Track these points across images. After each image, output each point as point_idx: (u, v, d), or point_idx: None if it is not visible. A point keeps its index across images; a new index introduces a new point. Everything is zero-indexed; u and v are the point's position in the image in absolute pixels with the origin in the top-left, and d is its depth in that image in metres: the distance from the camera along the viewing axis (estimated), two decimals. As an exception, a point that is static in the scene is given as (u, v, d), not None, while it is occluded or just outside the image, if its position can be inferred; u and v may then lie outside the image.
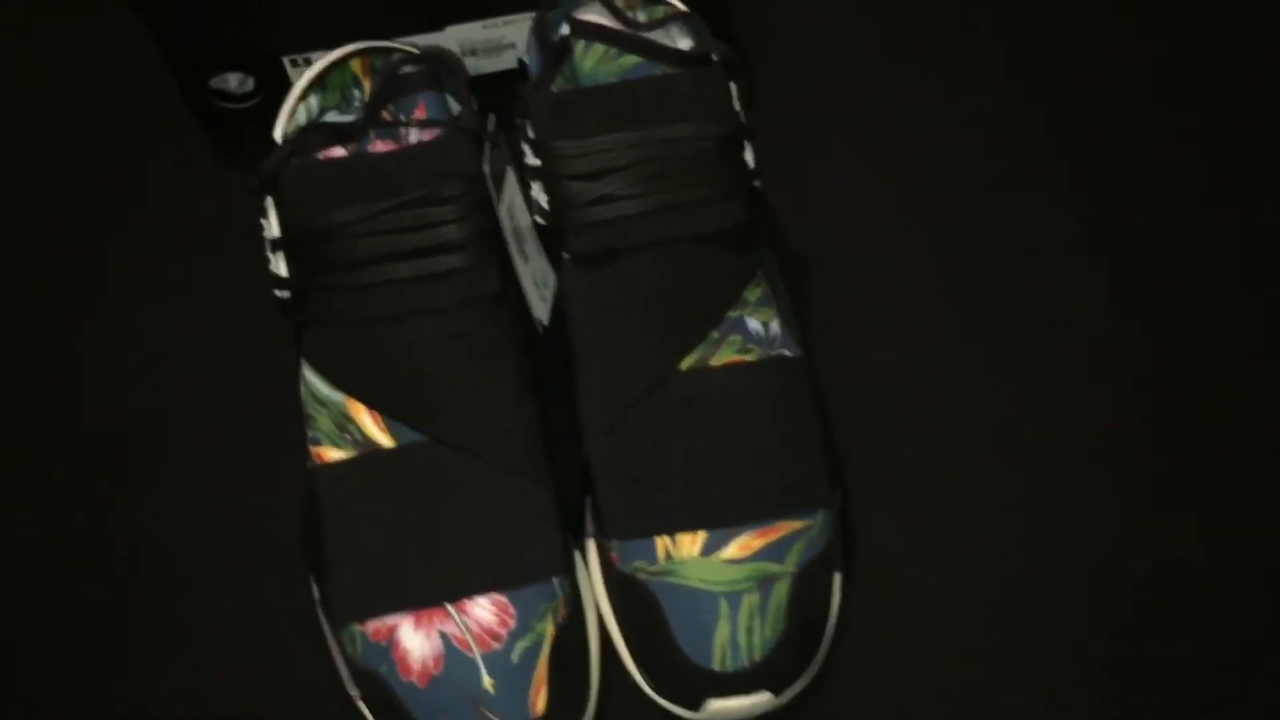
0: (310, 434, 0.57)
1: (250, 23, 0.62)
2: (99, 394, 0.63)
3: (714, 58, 0.58)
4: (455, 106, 0.59)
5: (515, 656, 0.54)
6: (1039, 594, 0.59)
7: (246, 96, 0.66)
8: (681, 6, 0.60)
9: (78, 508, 0.61)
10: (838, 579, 0.58)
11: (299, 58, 0.64)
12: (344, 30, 0.62)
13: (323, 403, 0.57)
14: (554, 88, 0.59)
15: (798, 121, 0.69)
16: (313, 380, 0.57)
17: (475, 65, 0.66)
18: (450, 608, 0.54)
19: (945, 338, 0.64)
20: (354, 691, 0.56)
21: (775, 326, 0.59)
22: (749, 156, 0.59)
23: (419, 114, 0.58)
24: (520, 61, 0.65)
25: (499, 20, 0.65)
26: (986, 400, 0.63)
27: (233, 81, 0.65)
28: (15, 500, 0.61)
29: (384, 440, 0.56)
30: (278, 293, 0.57)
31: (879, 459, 0.62)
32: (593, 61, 0.59)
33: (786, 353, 0.59)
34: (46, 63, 0.70)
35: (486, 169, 0.55)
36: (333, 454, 0.56)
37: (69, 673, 0.58)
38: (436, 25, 0.64)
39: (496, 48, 0.66)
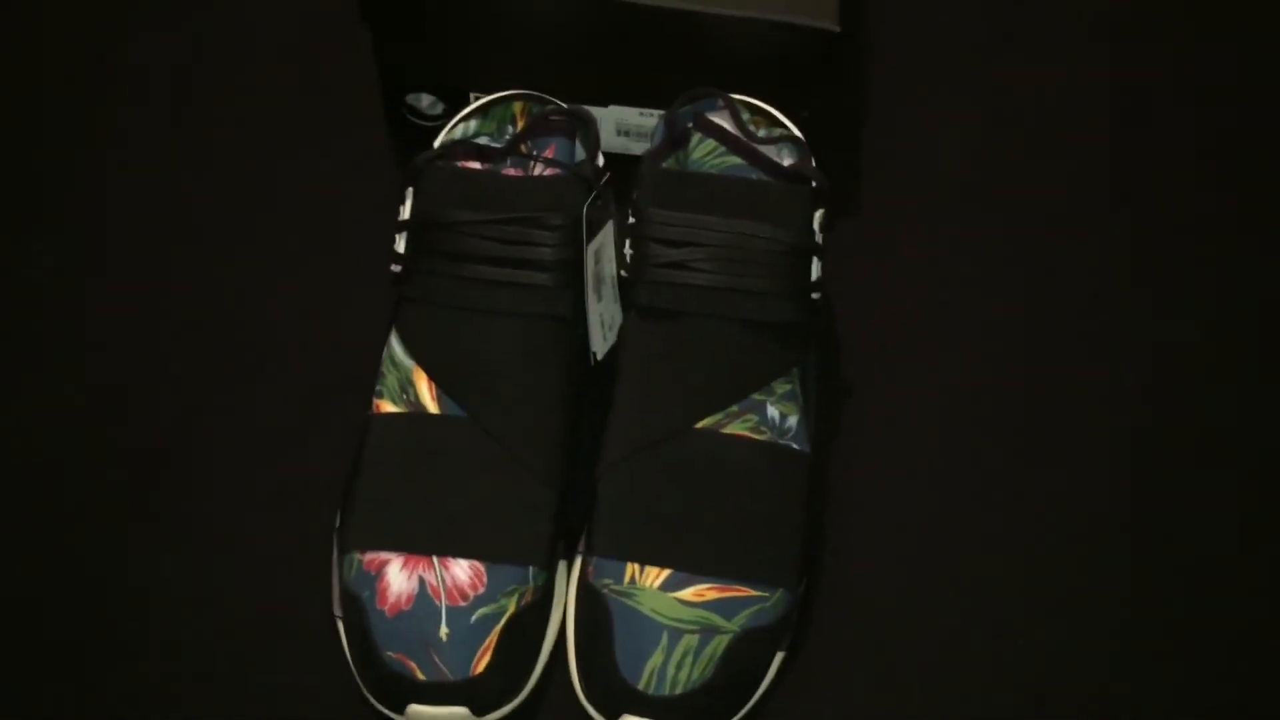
0: (377, 388, 0.66)
1: (451, 59, 0.73)
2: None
3: (809, 180, 0.67)
4: (581, 157, 0.69)
5: (474, 618, 0.62)
6: None
7: (434, 118, 0.77)
8: (797, 133, 0.69)
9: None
10: (778, 657, 0.64)
11: (484, 96, 0.75)
12: (526, 84, 0.73)
13: (395, 365, 0.66)
14: (664, 164, 0.68)
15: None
16: (394, 345, 0.67)
17: (624, 145, 0.76)
18: (435, 560, 0.63)
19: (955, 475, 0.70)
20: (338, 612, 0.64)
21: (792, 422, 0.66)
22: (815, 270, 0.67)
23: (548, 153, 0.68)
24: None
25: (654, 111, 0.75)
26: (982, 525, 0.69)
27: (425, 101, 0.76)
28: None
29: (432, 408, 0.65)
30: (393, 267, 0.67)
31: (861, 567, 0.68)
32: (701, 153, 0.68)
33: (795, 446, 0.66)
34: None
35: (584, 213, 0.64)
36: (388, 408, 0.66)
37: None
38: (602, 101, 0.74)
39: (647, 135, 0.76)
